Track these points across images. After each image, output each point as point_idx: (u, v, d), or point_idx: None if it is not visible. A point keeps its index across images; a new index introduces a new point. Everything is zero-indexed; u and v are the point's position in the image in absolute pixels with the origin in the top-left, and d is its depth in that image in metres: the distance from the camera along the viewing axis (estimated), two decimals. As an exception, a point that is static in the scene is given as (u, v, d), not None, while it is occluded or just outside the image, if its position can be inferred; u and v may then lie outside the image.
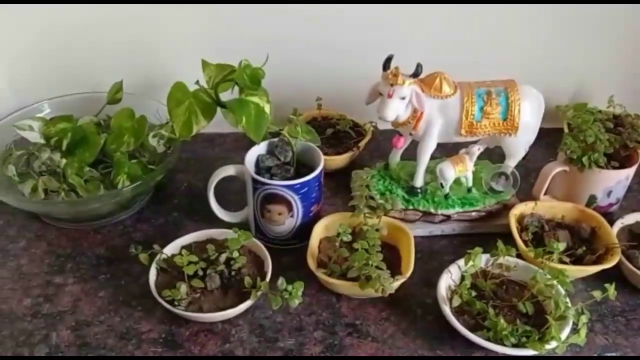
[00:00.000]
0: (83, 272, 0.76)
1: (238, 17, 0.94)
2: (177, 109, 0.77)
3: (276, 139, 0.80)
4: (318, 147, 0.81)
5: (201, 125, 0.78)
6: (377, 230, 0.73)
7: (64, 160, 0.79)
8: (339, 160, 0.91)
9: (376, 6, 0.93)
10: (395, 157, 0.87)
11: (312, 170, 0.79)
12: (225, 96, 0.75)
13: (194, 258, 0.70)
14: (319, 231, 0.77)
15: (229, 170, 0.78)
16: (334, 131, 0.95)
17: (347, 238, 0.71)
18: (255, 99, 0.70)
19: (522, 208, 0.81)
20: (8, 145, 0.87)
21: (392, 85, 0.73)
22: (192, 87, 0.76)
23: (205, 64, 0.83)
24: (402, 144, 0.83)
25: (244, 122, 0.69)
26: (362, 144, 0.93)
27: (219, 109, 0.75)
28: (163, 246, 0.73)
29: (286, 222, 0.77)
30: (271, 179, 0.76)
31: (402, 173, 0.86)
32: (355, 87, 1.00)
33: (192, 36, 0.95)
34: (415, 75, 0.73)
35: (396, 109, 0.74)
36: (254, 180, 0.75)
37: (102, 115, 0.91)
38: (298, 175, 0.78)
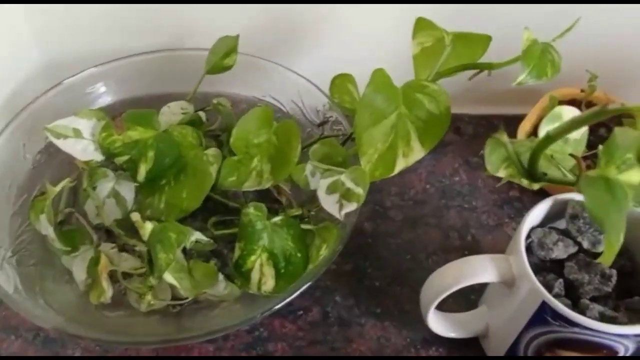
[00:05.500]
0: None
1: None
2: (375, 128, 0.38)
3: (567, 196, 0.39)
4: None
5: (413, 157, 0.39)
6: None
7: (149, 226, 0.39)
8: None
9: None
10: None
11: (629, 262, 0.40)
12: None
13: None
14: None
15: (482, 274, 0.38)
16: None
17: None
18: (634, 176, 0.27)
19: None
20: (36, 159, 0.48)
21: None
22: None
23: (422, 24, 0.41)
24: None
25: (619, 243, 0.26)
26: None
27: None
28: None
29: (587, 373, 0.39)
30: (574, 299, 0.37)
31: None
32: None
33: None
34: None
35: None
36: (549, 313, 0.35)
37: (199, 98, 0.50)
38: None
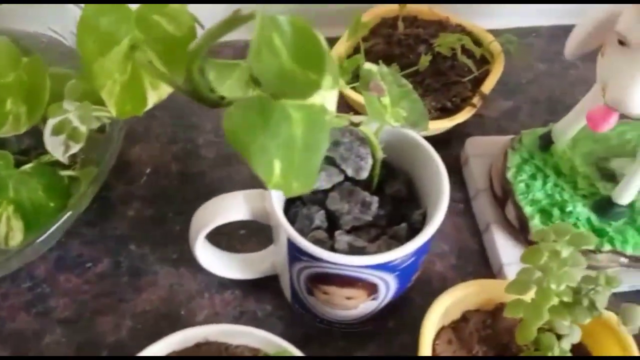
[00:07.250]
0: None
1: None
2: (106, 57, 0.34)
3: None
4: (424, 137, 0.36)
5: (165, 89, 0.36)
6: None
7: None
8: (444, 124, 0.46)
9: None
10: (569, 130, 0.43)
11: (406, 187, 0.37)
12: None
13: None
14: (434, 319, 0.36)
15: (233, 211, 0.35)
16: (432, 57, 0.48)
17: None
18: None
19: None
20: None
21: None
22: None
23: None
24: (611, 125, 0.38)
25: (278, 171, 0.23)
26: (486, 87, 0.47)
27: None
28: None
29: (361, 307, 0.37)
30: (330, 230, 0.34)
31: (580, 161, 0.43)
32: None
33: None
34: None
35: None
36: (295, 249, 0.32)
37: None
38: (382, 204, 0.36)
